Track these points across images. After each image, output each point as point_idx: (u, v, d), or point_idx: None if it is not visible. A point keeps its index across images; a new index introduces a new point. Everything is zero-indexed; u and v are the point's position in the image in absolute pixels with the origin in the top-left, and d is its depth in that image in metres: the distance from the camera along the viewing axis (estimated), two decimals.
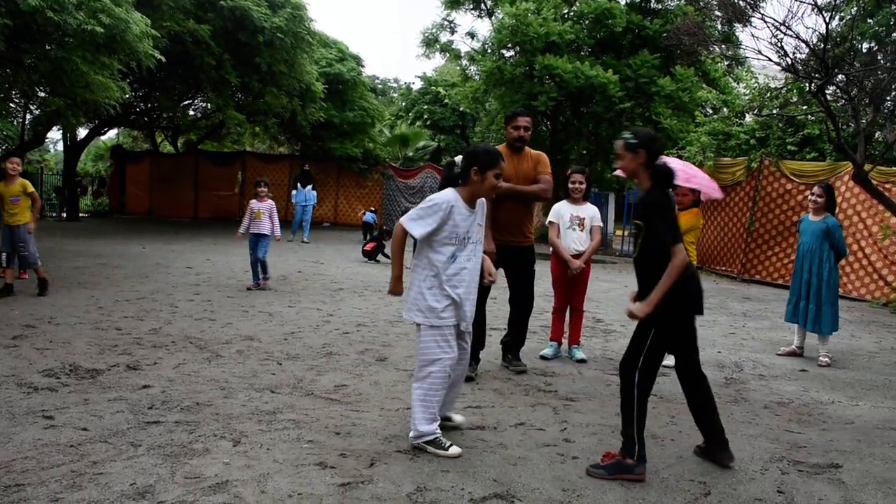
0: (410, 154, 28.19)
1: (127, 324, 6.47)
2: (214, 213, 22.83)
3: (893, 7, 11.10)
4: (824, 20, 7.24)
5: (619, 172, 4.38)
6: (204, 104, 22.72)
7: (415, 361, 3.93)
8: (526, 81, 17.65)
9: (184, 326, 6.49)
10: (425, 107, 33.23)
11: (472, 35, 20.42)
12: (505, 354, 5.63)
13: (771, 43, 7.90)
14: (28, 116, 19.80)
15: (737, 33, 17.70)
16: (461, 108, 27.27)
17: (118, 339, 5.82)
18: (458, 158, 3.80)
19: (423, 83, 34.20)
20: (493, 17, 19.65)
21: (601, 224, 6.09)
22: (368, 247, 13.35)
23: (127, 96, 15.49)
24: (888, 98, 9.21)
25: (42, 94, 14.26)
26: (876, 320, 9.12)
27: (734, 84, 17.66)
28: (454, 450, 3.61)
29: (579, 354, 5.96)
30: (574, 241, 5.93)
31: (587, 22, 18.22)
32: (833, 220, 6.38)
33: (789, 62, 8.00)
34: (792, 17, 7.67)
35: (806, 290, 6.45)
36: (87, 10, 9.28)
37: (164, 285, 8.88)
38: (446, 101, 28.15)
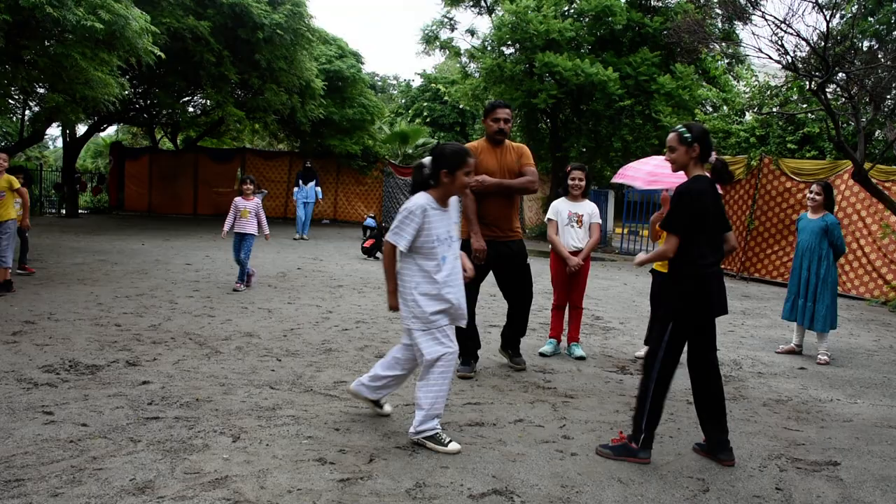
0: (410, 151, 28.16)
1: (126, 320, 6.47)
2: (214, 210, 22.80)
3: (894, 5, 11.10)
4: (825, 18, 7.24)
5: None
6: (203, 101, 22.67)
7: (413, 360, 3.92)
8: (526, 79, 17.64)
9: (183, 323, 6.49)
10: (425, 104, 33.24)
11: (471, 32, 20.44)
12: (505, 347, 5.57)
13: (771, 41, 7.90)
14: (27, 113, 19.79)
15: (737, 31, 17.68)
16: (461, 106, 27.25)
17: (118, 336, 5.82)
18: (427, 160, 3.79)
19: (422, 80, 34.18)
20: (493, 14, 19.65)
21: (600, 221, 6.09)
22: (367, 243, 13.35)
23: (126, 93, 15.44)
24: (888, 96, 9.21)
25: (41, 91, 14.24)
26: (875, 319, 9.13)
27: (734, 82, 17.67)
28: (454, 446, 3.62)
29: (578, 352, 5.97)
30: (573, 238, 5.94)
31: (587, 19, 18.21)
32: (832, 219, 6.39)
33: (789, 60, 7.99)
34: (792, 15, 7.70)
35: (804, 288, 6.45)
36: (87, 5, 9.25)
37: (163, 282, 8.88)
38: (446, 98, 28.09)
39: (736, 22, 13.57)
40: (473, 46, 20.01)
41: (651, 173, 6.03)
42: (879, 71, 8.33)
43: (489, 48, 19.13)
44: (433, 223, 3.67)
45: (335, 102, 20.92)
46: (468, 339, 5.26)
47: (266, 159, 23.49)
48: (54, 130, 26.83)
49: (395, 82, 44.35)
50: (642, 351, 6.17)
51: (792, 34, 7.66)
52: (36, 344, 5.39)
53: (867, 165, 8.17)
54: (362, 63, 22.92)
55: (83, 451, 3.35)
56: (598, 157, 19.26)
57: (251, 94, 18.62)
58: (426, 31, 20.53)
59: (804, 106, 11.95)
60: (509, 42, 18.05)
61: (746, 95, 13.92)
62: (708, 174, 3.69)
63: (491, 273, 5.34)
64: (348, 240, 16.71)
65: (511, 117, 5.28)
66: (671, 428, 4.17)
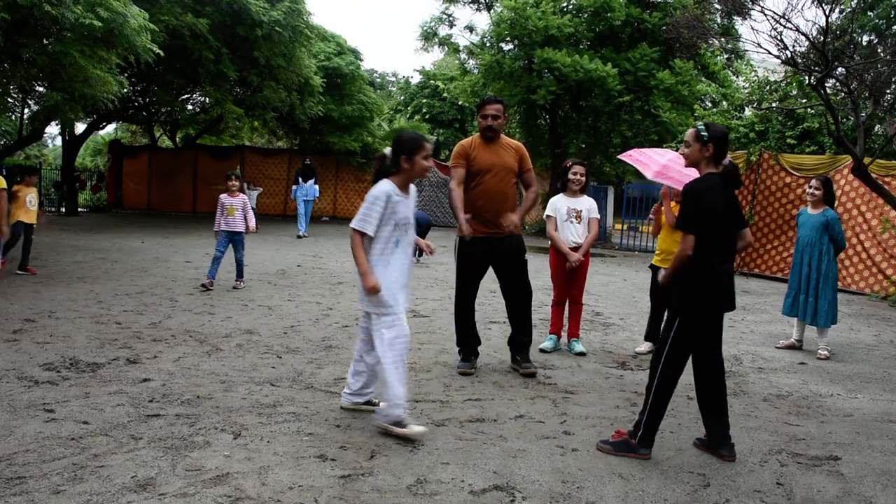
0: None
1: (127, 318, 6.47)
2: (213, 208, 22.71)
3: (893, 0, 11.08)
4: (824, 13, 7.23)
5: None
6: (202, 98, 22.64)
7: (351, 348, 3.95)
8: (525, 75, 17.62)
9: (183, 320, 6.49)
10: (424, 101, 33.21)
11: (470, 29, 20.39)
12: (514, 356, 5.33)
13: (770, 36, 7.88)
14: (26, 112, 19.76)
15: (736, 26, 17.66)
16: (460, 102, 27.21)
17: (118, 333, 5.82)
18: (387, 150, 3.98)
19: (421, 77, 34.13)
20: (491, 11, 19.60)
21: (598, 216, 6.09)
22: None
23: (125, 91, 15.45)
24: (888, 91, 9.20)
25: (40, 89, 14.22)
26: (875, 313, 9.14)
27: (733, 77, 17.63)
28: (418, 429, 3.72)
29: (578, 347, 5.97)
30: (572, 234, 5.93)
31: (586, 15, 18.16)
32: (832, 214, 6.38)
33: (789, 55, 7.99)
34: (792, 10, 7.69)
35: (805, 283, 6.45)
36: (85, 3, 9.24)
37: (163, 279, 8.88)
38: (445, 94, 28.08)
39: (735, 17, 13.58)
40: (472, 43, 19.97)
41: (665, 167, 6.01)
42: (879, 65, 8.32)
43: (488, 44, 19.09)
44: (397, 209, 3.85)
45: (334, 99, 20.90)
46: (468, 336, 5.26)
47: (265, 157, 23.48)
48: (53, 129, 26.75)
49: (393, 79, 44.35)
50: (642, 346, 6.18)
51: (791, 29, 7.65)
52: (37, 342, 5.39)
53: (867, 160, 8.16)
54: (361, 60, 22.90)
55: (84, 449, 3.35)
56: (598, 153, 19.24)
57: (250, 91, 18.61)
58: (425, 28, 20.48)
59: (804, 101, 11.93)
60: (508, 38, 18.02)
61: (746, 91, 13.89)
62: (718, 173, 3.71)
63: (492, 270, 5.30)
64: (348, 237, 16.66)
65: (502, 113, 5.13)
66: (672, 423, 4.18)
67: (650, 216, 6.07)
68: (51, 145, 42.32)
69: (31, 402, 3.99)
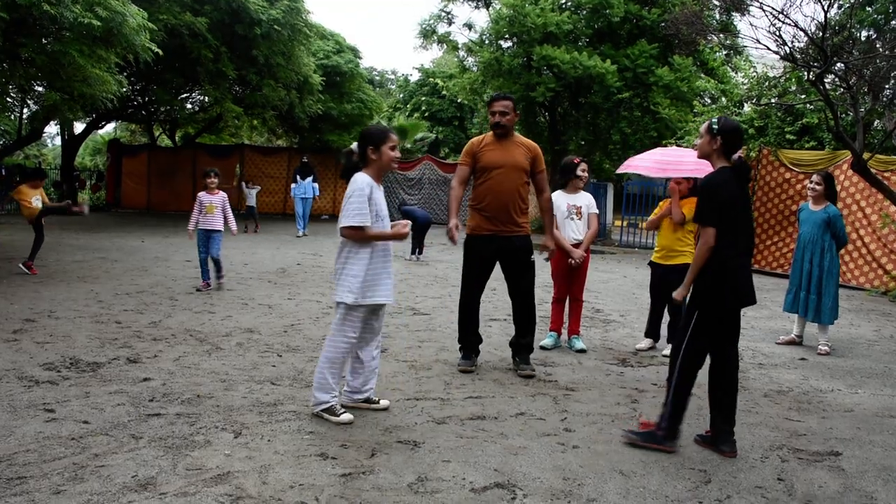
0: (408, 146, 28.11)
1: (127, 317, 6.47)
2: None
3: None
4: (823, 8, 7.22)
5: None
6: (201, 97, 22.64)
7: (325, 341, 4.08)
8: (524, 72, 17.60)
9: (183, 319, 6.49)
10: (423, 98, 33.20)
11: (469, 26, 20.35)
12: (513, 357, 5.31)
13: (769, 32, 7.88)
14: (25, 111, 19.75)
15: (735, 22, 17.63)
16: (459, 100, 27.20)
17: (118, 333, 5.82)
18: (354, 146, 4.06)
19: (420, 75, 34.13)
20: (490, 8, 19.57)
21: (597, 211, 6.10)
22: None
23: (124, 90, 15.45)
24: (887, 86, 9.18)
25: (39, 89, 14.21)
26: (875, 309, 9.14)
27: (732, 73, 17.64)
28: (346, 416, 3.87)
29: (579, 344, 5.97)
30: (573, 231, 5.93)
31: (585, 12, 18.15)
32: (834, 210, 6.36)
33: (788, 51, 7.98)
34: (790, 6, 7.67)
35: (807, 280, 6.43)
36: (84, 3, 9.22)
37: (163, 278, 8.87)
38: (444, 92, 28.06)
39: (734, 13, 13.54)
40: (471, 40, 19.95)
41: (659, 161, 6.00)
42: (878, 61, 8.31)
43: (487, 42, 19.08)
44: (376, 199, 3.94)
45: (333, 98, 20.90)
46: (470, 334, 5.25)
47: (265, 155, 23.48)
48: (52, 128, 26.77)
49: (393, 77, 44.31)
50: (643, 343, 6.18)
51: (790, 25, 7.64)
52: (37, 342, 5.39)
53: (866, 155, 8.16)
54: (360, 58, 22.89)
55: (85, 449, 3.35)
56: (597, 150, 19.24)
57: (249, 90, 18.60)
58: (424, 26, 20.45)
59: (803, 96, 11.92)
60: (507, 35, 18.00)
61: (745, 87, 13.89)
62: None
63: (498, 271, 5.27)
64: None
65: (511, 109, 5.09)
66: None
67: (663, 213, 6.00)
68: (50, 145, 42.30)
69: (31, 401, 3.99)
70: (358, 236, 3.87)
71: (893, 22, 10.68)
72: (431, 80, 31.78)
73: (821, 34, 7.31)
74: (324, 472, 3.21)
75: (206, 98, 20.63)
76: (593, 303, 8.42)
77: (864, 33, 10.68)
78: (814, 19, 7.74)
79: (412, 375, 4.93)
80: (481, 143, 5.18)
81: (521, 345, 5.23)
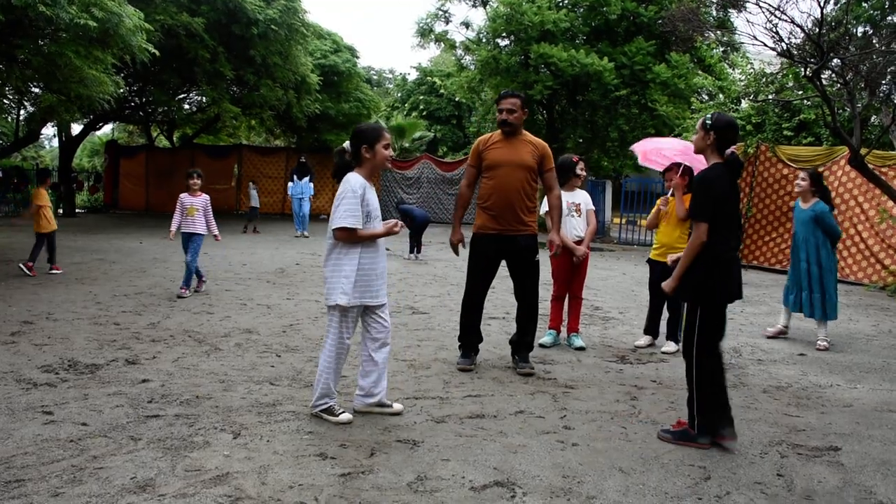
0: (407, 145, 28.12)
1: (125, 318, 6.46)
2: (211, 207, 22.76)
3: None
4: (819, 4, 7.22)
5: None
6: (199, 98, 22.62)
7: (323, 342, 4.08)
8: (521, 70, 17.58)
9: (182, 320, 6.48)
10: (421, 97, 33.19)
11: (466, 24, 20.34)
12: (513, 355, 5.31)
13: (766, 28, 7.88)
14: (22, 113, 19.72)
15: (732, 19, 17.64)
16: (457, 98, 27.18)
17: (117, 334, 5.81)
18: (346, 145, 4.01)
19: (418, 74, 34.12)
20: (487, 6, 19.56)
21: (594, 207, 6.12)
22: None
23: (121, 91, 15.40)
24: (883, 82, 9.19)
25: (36, 90, 14.19)
26: (873, 304, 9.14)
27: (730, 70, 17.61)
28: (345, 416, 3.88)
29: (578, 342, 5.97)
30: (574, 228, 5.94)
31: (582, 9, 18.13)
32: (821, 206, 6.37)
33: (784, 47, 7.98)
34: (787, 2, 7.67)
35: (807, 279, 6.44)
36: (80, 4, 9.20)
37: (161, 280, 8.86)
38: (442, 91, 28.05)
39: (730, 10, 13.54)
40: (468, 39, 19.94)
41: (652, 150, 6.04)
42: (874, 56, 8.31)
43: (484, 40, 19.06)
44: (369, 198, 3.92)
45: (331, 97, 20.88)
46: (471, 333, 5.24)
47: (263, 155, 23.46)
48: (50, 130, 26.74)
49: (390, 76, 44.30)
50: (642, 340, 6.18)
51: (786, 21, 7.66)
52: (35, 344, 5.38)
53: (863, 151, 8.16)
54: (357, 57, 22.87)
55: (83, 451, 3.35)
56: (595, 148, 19.23)
57: (247, 90, 18.58)
58: (421, 24, 20.43)
59: (800, 92, 11.91)
60: (504, 34, 17.98)
61: (742, 83, 13.88)
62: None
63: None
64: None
65: (518, 107, 5.03)
66: (672, 416, 4.17)
67: (661, 206, 6.01)
68: (47, 146, 42.26)
69: (29, 404, 3.99)
70: (350, 238, 3.84)
71: (889, 18, 10.67)
72: (429, 78, 31.77)
73: (817, 30, 7.32)
74: (323, 472, 3.21)
75: (204, 98, 20.61)
76: (592, 300, 8.42)
77: (860, 29, 10.67)
78: (810, 15, 7.76)
79: (411, 374, 4.93)
80: (488, 142, 5.18)
81: (522, 343, 5.22)
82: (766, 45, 8.02)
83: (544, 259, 5.46)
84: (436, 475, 3.23)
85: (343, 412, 3.92)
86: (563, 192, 5.95)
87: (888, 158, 10.59)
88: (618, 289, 9.67)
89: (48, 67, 10.26)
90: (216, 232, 8.28)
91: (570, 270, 5.96)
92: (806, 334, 6.82)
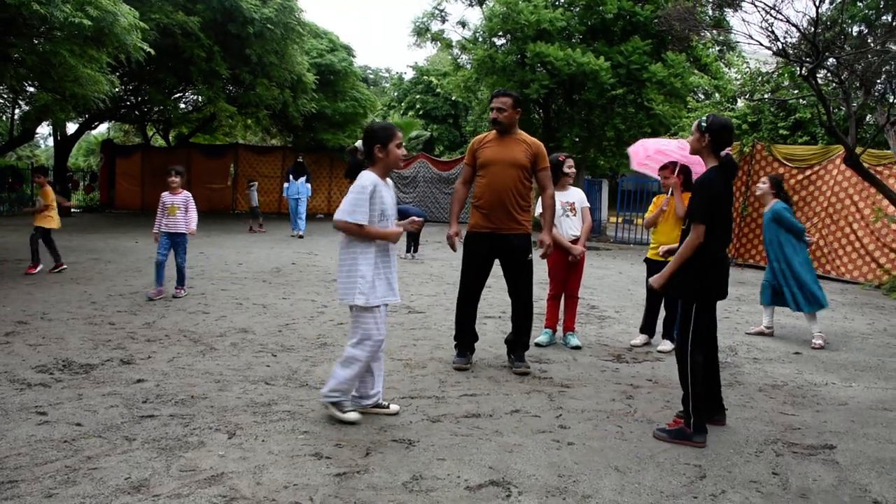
0: (403, 144, 28.09)
1: (120, 318, 6.45)
2: (207, 207, 22.71)
3: None
4: (814, 3, 7.23)
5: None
6: (195, 97, 22.58)
7: (347, 342, 4.15)
8: (517, 69, 17.58)
9: (178, 320, 6.47)
10: (417, 96, 33.14)
11: (463, 24, 20.31)
12: (509, 354, 5.30)
13: (761, 27, 7.89)
14: (17, 112, 19.66)
15: (727, 18, 17.64)
16: (453, 98, 27.16)
17: (112, 334, 5.80)
18: (359, 144, 4.00)
19: (414, 73, 34.07)
20: (483, 5, 19.55)
21: (588, 205, 6.11)
22: None
23: (117, 90, 15.34)
24: (878, 81, 9.20)
25: (31, 90, 14.14)
26: (869, 302, 9.16)
27: (726, 69, 17.64)
28: (352, 415, 3.86)
29: (574, 341, 5.97)
30: (569, 227, 5.94)
31: (578, 9, 18.13)
32: (777, 205, 6.54)
33: (780, 46, 7.99)
34: (782, 1, 7.67)
35: (783, 276, 6.53)
36: (74, 2, 9.16)
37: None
38: (438, 90, 28.04)
39: (726, 9, 13.54)
40: (465, 38, 19.92)
41: (644, 156, 6.06)
42: (869, 55, 8.33)
43: (480, 39, 19.05)
44: (383, 197, 3.89)
45: (327, 96, 20.85)
46: (467, 332, 5.24)
47: (259, 154, 23.43)
48: (45, 129, 26.67)
49: (387, 75, 44.22)
50: (638, 339, 6.18)
51: (782, 20, 7.66)
52: (29, 344, 5.37)
53: (859, 150, 8.18)
54: (354, 56, 22.84)
55: (77, 451, 3.33)
56: (591, 147, 19.23)
57: (242, 89, 18.54)
58: (417, 24, 20.40)
59: (795, 92, 11.94)
60: (500, 33, 17.98)
61: (738, 82, 13.90)
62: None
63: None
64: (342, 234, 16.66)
65: (509, 106, 5.02)
66: (668, 415, 4.17)
67: (663, 207, 6.01)
68: (43, 146, 42.16)
69: (23, 404, 3.97)
70: (352, 231, 3.82)
71: (884, 17, 10.69)
72: (425, 78, 31.72)
73: (812, 29, 7.33)
74: (318, 472, 3.20)
75: (200, 97, 20.58)
76: (588, 299, 8.42)
77: (855, 28, 10.69)
78: (805, 15, 7.77)
79: (407, 374, 4.93)
80: (482, 141, 5.19)
81: (518, 342, 5.22)
82: (761, 44, 8.03)
83: (540, 258, 5.46)
84: (431, 475, 3.23)
85: (351, 411, 3.89)
86: (557, 192, 5.95)
87: (883, 157, 10.61)
88: (614, 288, 9.68)
89: (43, 66, 10.22)
90: (193, 227, 7.86)
91: (567, 269, 5.97)
92: (801, 333, 6.83)
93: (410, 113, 32.54)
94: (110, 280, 8.65)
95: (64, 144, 21.74)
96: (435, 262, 11.69)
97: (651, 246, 6.21)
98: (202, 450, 3.41)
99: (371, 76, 41.07)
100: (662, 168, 5.94)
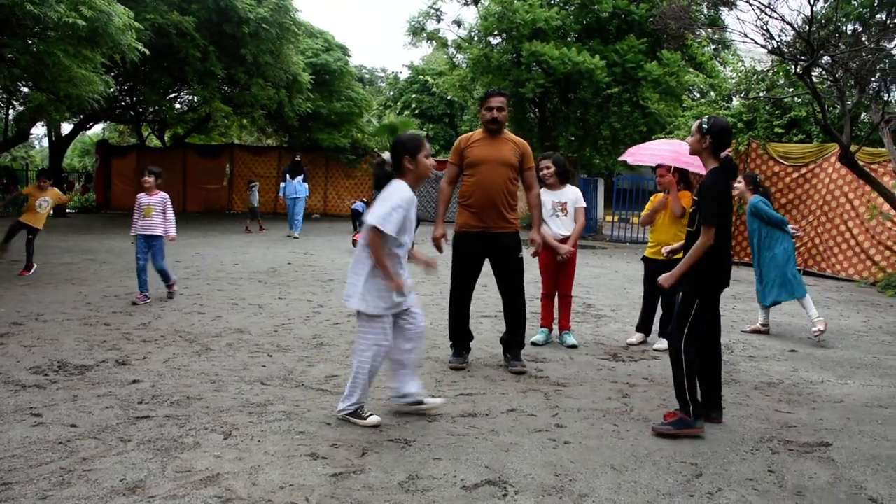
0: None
1: (116, 319, 6.43)
2: (203, 207, 22.70)
3: None
4: (809, 2, 7.24)
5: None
6: (190, 97, 22.51)
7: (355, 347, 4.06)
8: (513, 68, 17.58)
9: (173, 320, 6.45)
10: (413, 96, 33.12)
11: (458, 23, 20.30)
12: (504, 353, 5.30)
13: (756, 26, 7.92)
14: (11, 112, 19.59)
15: (722, 17, 17.67)
16: (449, 97, 27.14)
17: (107, 335, 5.78)
18: (386, 155, 3.94)
19: (410, 72, 34.06)
20: (479, 5, 19.53)
21: (584, 204, 6.06)
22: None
23: (111, 90, 15.32)
24: (873, 79, 9.23)
25: (25, 90, 14.10)
26: (864, 300, 9.18)
27: (721, 68, 17.65)
28: (373, 419, 3.81)
29: (570, 340, 5.96)
30: (559, 227, 5.91)
31: (573, 7, 18.13)
32: (754, 200, 6.60)
33: (775, 45, 8.00)
34: (776, 0, 7.68)
35: (768, 269, 6.60)
36: (69, 2, 9.14)
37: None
38: (434, 89, 28.01)
39: (721, 7, 13.58)
40: (460, 37, 19.91)
41: (673, 151, 6.08)
42: (863, 54, 8.35)
43: (476, 38, 19.04)
44: (410, 216, 3.85)
45: (323, 96, 20.82)
46: (461, 331, 5.24)
47: (254, 154, 23.39)
48: (39, 130, 26.59)
49: (382, 75, 44.21)
50: (634, 338, 6.19)
51: (777, 19, 7.67)
52: (24, 345, 5.35)
53: (853, 148, 8.19)
54: (349, 56, 22.80)
55: (72, 453, 3.32)
56: (587, 146, 19.24)
57: (238, 89, 18.51)
58: (413, 23, 20.38)
59: (790, 90, 11.96)
60: (496, 32, 17.97)
61: (733, 80, 13.93)
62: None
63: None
64: (338, 234, 16.67)
65: (505, 105, 5.07)
66: (663, 414, 4.17)
67: (658, 207, 6.01)
68: (37, 146, 42.03)
69: (17, 406, 3.95)
70: (375, 240, 3.71)
71: (878, 15, 10.72)
72: (421, 77, 31.72)
73: (807, 28, 7.33)
74: (314, 472, 3.20)
75: (195, 97, 20.52)
76: (584, 298, 8.42)
77: (849, 27, 10.71)
78: (800, 13, 7.80)
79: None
80: (469, 140, 5.18)
81: (513, 342, 5.22)
82: (756, 42, 8.05)
83: (531, 256, 5.47)
84: (427, 474, 3.22)
85: (371, 415, 3.85)
86: (548, 191, 5.95)
87: (878, 155, 10.63)
88: (610, 286, 9.68)
89: (37, 66, 10.19)
90: (173, 233, 7.53)
91: (556, 267, 5.95)
92: (797, 330, 6.85)
93: (406, 112, 32.51)
94: (105, 281, 8.62)
95: (59, 145, 21.66)
96: None
97: (649, 245, 6.21)
98: (198, 451, 3.40)
99: (367, 76, 41.06)
100: (658, 165, 5.93)
